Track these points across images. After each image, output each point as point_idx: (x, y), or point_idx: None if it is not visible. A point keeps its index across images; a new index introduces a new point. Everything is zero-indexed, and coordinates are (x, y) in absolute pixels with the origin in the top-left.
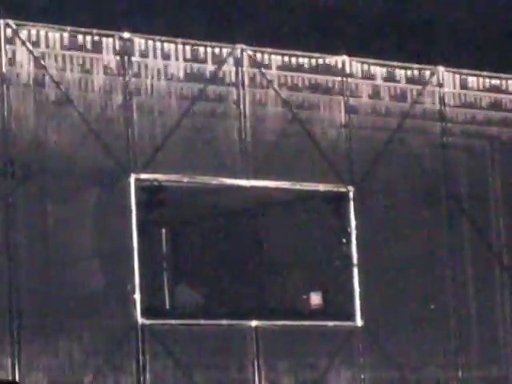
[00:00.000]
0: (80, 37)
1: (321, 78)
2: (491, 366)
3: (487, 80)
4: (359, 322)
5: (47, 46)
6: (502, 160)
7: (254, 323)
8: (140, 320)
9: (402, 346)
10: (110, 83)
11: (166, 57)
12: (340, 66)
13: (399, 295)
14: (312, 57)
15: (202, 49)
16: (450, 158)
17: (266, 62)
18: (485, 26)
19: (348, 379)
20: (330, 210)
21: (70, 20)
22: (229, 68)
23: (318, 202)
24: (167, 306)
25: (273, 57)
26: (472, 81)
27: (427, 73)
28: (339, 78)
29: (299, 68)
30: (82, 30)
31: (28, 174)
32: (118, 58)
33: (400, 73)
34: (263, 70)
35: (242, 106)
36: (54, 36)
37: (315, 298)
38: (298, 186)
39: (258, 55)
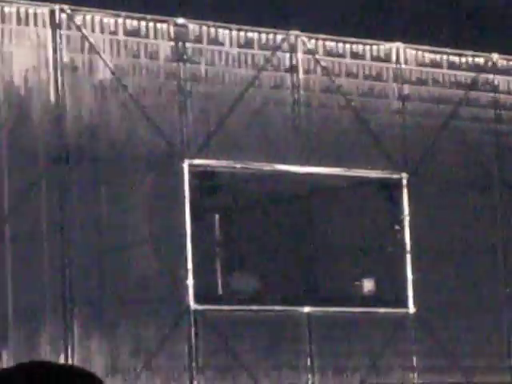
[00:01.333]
0: (134, 22)
1: (375, 65)
2: None
3: None
4: (412, 309)
5: (102, 31)
6: None
7: (306, 309)
8: (192, 305)
9: (454, 334)
10: (164, 68)
11: (220, 42)
12: (394, 52)
13: (452, 282)
14: (366, 43)
15: (256, 35)
16: (504, 145)
17: (320, 48)
18: None
19: (400, 366)
20: (383, 197)
21: (124, 5)
22: (283, 54)
23: (372, 189)
24: (220, 292)
25: (327, 43)
26: None
27: (481, 60)
28: (393, 65)
29: (353, 55)
30: (136, 15)
31: (82, 159)
32: (172, 43)
33: (454, 60)
34: (317, 57)
35: (295, 93)
36: (108, 21)
37: (368, 285)
38: (351, 173)
39: (312, 41)
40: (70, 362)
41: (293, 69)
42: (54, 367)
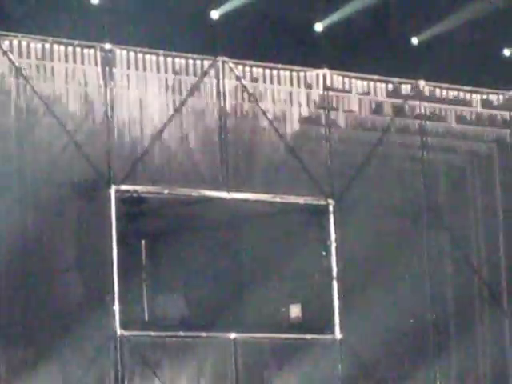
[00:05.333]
0: (62, 47)
1: (303, 91)
2: (469, 381)
3: (468, 94)
4: (338, 335)
5: (29, 56)
6: (480, 174)
7: (232, 335)
8: (119, 331)
9: (380, 360)
10: (91, 94)
11: (147, 68)
12: (321, 78)
13: (378, 308)
14: (293, 70)
15: (183, 61)
16: (430, 171)
17: (247, 74)
18: (462, 42)
19: None
20: (310, 223)
21: (51, 31)
22: (210, 80)
23: (299, 215)
24: (146, 318)
25: (254, 69)
26: (451, 95)
27: (408, 87)
28: (320, 92)
29: (280, 81)
30: (64, 40)
31: (8, 184)
32: (99, 69)
33: (381, 87)
34: (244, 83)
35: (222, 118)
36: (35, 47)
37: (294, 311)
38: (278, 199)
39: (239, 68)
40: None
41: (220, 95)
42: None
